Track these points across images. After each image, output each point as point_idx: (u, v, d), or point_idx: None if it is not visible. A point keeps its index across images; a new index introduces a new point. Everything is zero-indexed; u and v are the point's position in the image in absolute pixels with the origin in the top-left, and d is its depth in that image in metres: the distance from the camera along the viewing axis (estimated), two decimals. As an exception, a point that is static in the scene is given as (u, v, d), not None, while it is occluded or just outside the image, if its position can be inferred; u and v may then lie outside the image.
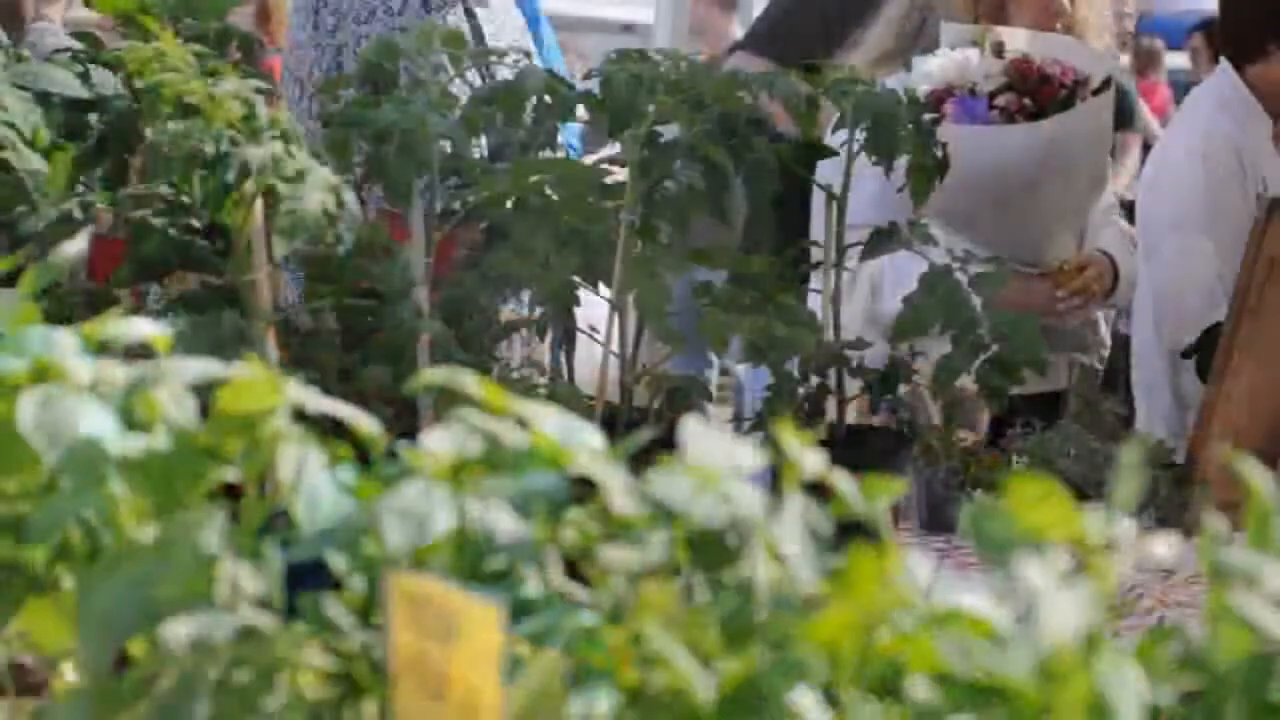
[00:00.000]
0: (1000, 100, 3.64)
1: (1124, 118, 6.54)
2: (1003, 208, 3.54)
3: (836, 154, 2.86)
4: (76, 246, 1.56)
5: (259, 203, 2.14)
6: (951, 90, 3.64)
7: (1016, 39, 3.72)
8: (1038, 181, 3.61)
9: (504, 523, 1.34)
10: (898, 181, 2.76)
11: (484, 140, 2.95)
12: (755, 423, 2.64)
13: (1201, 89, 4.20)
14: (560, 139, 2.73)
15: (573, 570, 1.47)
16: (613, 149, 3.46)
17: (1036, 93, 3.65)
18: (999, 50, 3.68)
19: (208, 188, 2.09)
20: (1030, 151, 3.57)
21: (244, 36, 2.73)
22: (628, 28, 13.03)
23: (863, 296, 3.78)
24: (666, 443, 1.50)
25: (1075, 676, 1.09)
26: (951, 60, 3.68)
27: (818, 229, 2.97)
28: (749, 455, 1.46)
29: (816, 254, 2.95)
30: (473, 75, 3.18)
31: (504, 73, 3.26)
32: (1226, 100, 3.86)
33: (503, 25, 3.45)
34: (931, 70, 3.68)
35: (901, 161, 2.73)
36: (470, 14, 3.38)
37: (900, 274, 3.68)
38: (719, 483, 1.41)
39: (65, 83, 2.23)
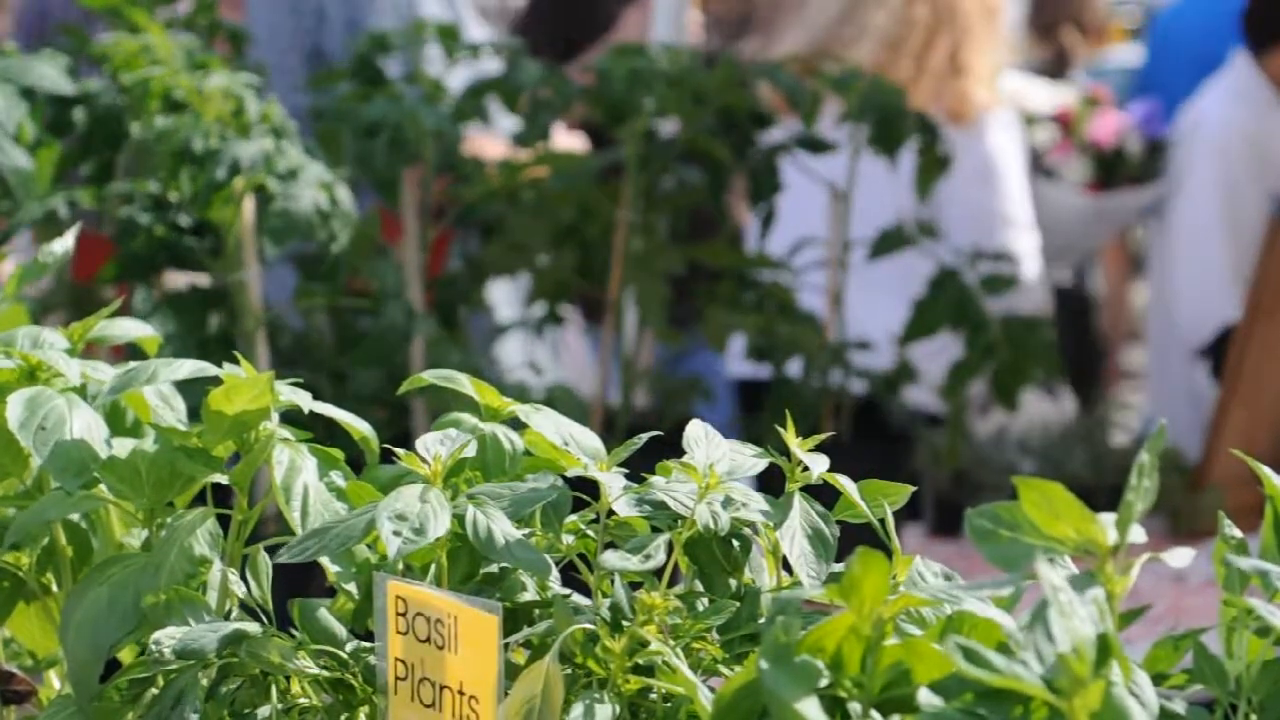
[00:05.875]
0: None
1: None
2: None
3: (835, 148, 2.84)
4: (64, 245, 1.54)
5: (249, 200, 2.11)
6: None
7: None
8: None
9: (501, 527, 1.31)
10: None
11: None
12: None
13: (1218, 81, 4.15)
14: None
15: (571, 575, 1.45)
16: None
17: None
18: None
19: (196, 185, 2.06)
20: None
21: (234, 31, 2.70)
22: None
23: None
24: (668, 445, 1.47)
25: (1088, 684, 1.06)
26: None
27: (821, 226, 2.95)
28: (751, 459, 1.44)
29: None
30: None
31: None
32: (1244, 92, 3.81)
33: None
34: None
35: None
36: None
37: (868, 303, 3.65)
38: (721, 486, 1.38)
39: (51, 78, 2.19)
